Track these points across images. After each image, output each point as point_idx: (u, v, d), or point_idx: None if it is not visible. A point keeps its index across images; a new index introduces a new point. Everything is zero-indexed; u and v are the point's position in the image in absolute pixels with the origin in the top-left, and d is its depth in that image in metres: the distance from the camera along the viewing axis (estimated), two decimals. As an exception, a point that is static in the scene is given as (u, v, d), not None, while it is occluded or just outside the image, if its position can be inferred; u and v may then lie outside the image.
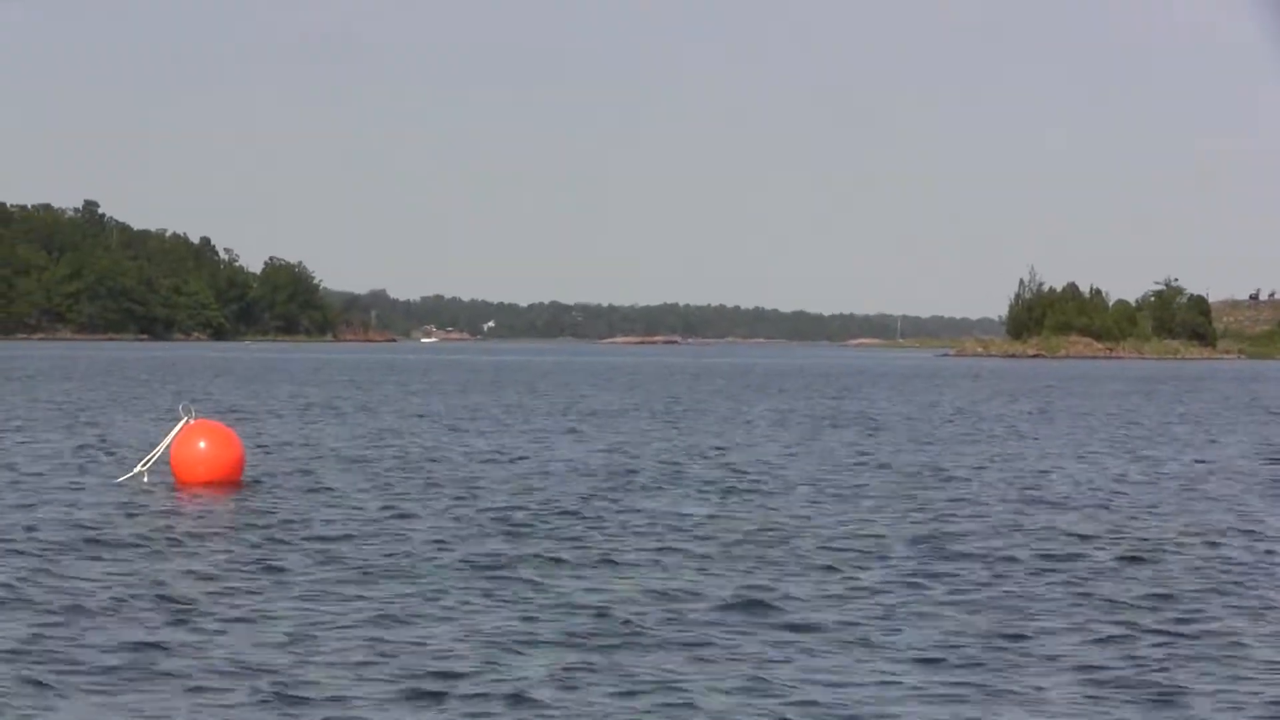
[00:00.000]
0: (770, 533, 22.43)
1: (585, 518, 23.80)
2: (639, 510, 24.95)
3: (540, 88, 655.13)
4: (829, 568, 19.28)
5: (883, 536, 22.19)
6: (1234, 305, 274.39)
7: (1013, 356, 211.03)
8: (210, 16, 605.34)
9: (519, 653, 14.21)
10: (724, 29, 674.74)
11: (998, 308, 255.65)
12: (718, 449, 38.88)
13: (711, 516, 24.34)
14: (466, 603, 16.55)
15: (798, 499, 27.11)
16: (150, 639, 14.55)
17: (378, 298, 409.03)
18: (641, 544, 21.05)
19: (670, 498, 27.03)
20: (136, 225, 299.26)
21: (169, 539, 20.91)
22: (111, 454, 34.11)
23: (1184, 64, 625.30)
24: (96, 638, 14.60)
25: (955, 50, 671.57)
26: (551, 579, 18.04)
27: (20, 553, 19.47)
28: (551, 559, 19.51)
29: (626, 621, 15.54)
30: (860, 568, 19.32)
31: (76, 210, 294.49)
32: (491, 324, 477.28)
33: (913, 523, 23.88)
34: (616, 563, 19.42)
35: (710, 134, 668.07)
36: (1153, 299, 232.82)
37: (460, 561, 19.22)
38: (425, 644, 14.52)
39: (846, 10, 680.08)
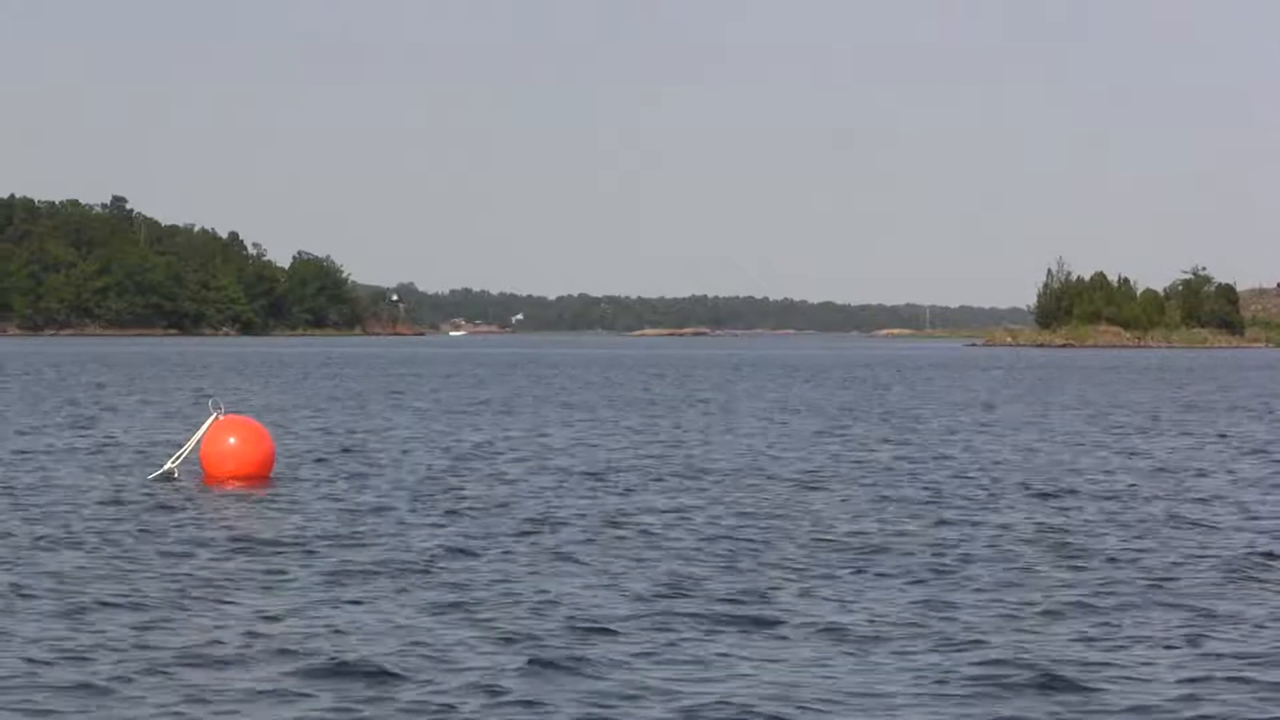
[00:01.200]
0: None
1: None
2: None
3: (568, 80, 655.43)
4: None
5: None
6: (1261, 294, 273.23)
7: (1041, 346, 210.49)
8: (238, 11, 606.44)
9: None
10: (746, 19, 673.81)
11: (1026, 297, 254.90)
12: None
13: None
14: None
15: None
16: (170, 639, 14.62)
17: (406, 291, 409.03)
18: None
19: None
20: (164, 220, 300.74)
21: (198, 536, 20.98)
22: (143, 451, 34.20)
23: (1210, 52, 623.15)
24: (122, 638, 14.71)
25: (982, 39, 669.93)
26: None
27: (54, 549, 19.60)
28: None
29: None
30: None
31: (104, 206, 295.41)
32: (520, 316, 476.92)
33: None
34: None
35: (736, 125, 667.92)
36: (1180, 288, 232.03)
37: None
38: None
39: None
